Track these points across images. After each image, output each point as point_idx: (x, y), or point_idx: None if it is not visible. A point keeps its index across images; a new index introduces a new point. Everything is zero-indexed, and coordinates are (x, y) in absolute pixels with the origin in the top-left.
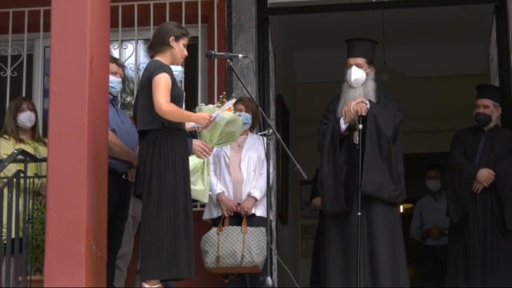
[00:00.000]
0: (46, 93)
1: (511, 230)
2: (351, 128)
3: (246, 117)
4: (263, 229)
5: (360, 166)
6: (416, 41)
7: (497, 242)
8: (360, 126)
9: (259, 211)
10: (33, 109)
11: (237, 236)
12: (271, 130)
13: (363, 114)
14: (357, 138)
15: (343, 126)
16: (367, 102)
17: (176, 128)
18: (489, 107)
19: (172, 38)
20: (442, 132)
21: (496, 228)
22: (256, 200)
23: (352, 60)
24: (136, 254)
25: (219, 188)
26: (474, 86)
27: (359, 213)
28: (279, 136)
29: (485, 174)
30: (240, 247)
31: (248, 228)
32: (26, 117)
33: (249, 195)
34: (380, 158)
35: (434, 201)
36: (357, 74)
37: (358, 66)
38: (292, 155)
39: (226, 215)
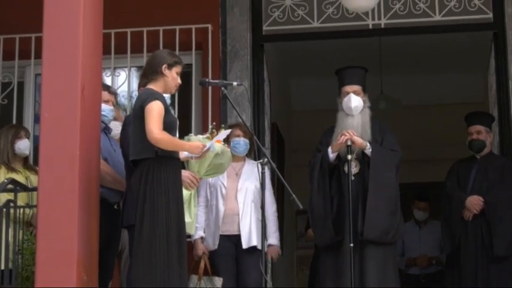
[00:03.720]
0: (37, 119)
1: (499, 256)
2: (341, 158)
3: (245, 142)
4: (216, 279)
5: (351, 198)
6: (414, 69)
7: (488, 270)
8: (349, 156)
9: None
10: (28, 137)
11: (193, 284)
12: (266, 159)
13: (348, 143)
14: (347, 169)
15: (330, 155)
16: (368, 143)
17: (170, 156)
18: (482, 133)
19: (165, 66)
20: (440, 161)
21: (487, 256)
22: (278, 246)
23: (348, 88)
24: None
25: (198, 234)
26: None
27: (351, 245)
28: (274, 165)
29: (473, 201)
30: None
31: (204, 278)
32: (25, 145)
33: (270, 245)
34: (384, 204)
35: (418, 230)
36: (356, 101)
37: (355, 93)
38: (288, 184)
39: (196, 259)
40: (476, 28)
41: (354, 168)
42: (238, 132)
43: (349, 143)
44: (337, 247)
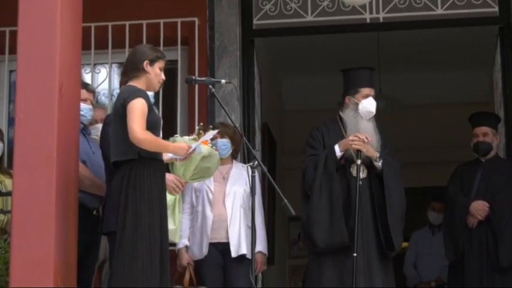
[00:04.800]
0: (11, 122)
1: (505, 267)
2: (346, 158)
3: (223, 142)
4: None
5: (357, 204)
6: (414, 66)
7: (493, 280)
8: (359, 161)
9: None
10: (2, 138)
11: None
12: (256, 162)
13: (360, 148)
14: (355, 173)
15: (338, 153)
16: (378, 155)
17: (154, 158)
18: (488, 135)
19: (146, 62)
20: (442, 164)
21: (492, 265)
22: (266, 255)
23: (368, 91)
24: None
25: (182, 242)
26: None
27: (355, 254)
28: (265, 168)
29: (477, 207)
30: None
31: None
32: None
33: (259, 252)
34: (401, 217)
35: (431, 236)
36: (375, 106)
37: (373, 97)
38: (279, 188)
39: (180, 270)
40: (481, 22)
41: (362, 173)
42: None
43: (361, 148)
44: (340, 253)
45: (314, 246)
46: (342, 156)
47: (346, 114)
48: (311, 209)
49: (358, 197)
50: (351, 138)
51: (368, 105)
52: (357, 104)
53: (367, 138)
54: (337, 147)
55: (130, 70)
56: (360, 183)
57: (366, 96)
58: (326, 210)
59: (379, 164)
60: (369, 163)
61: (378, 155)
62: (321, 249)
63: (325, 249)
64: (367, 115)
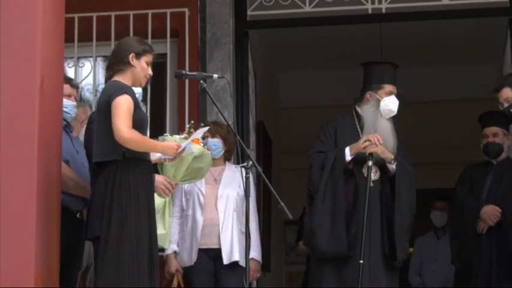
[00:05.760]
0: None
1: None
2: (355, 161)
3: (213, 142)
4: None
5: (366, 208)
6: (418, 60)
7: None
8: (370, 162)
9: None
10: None
11: None
12: (250, 162)
13: (373, 150)
14: (366, 173)
15: (348, 157)
16: (392, 157)
17: (140, 158)
18: (499, 135)
19: (132, 55)
20: (449, 165)
21: (503, 274)
22: (260, 262)
23: (392, 88)
24: None
25: (171, 248)
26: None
27: (361, 261)
28: (260, 169)
29: (489, 211)
30: None
31: None
32: None
33: (252, 259)
34: (409, 224)
35: (436, 240)
36: (397, 105)
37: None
38: (275, 190)
39: (168, 277)
40: (490, 13)
41: (374, 175)
42: (205, 133)
43: (376, 150)
44: (343, 261)
45: (314, 251)
46: (351, 160)
47: (365, 111)
48: (314, 213)
49: (367, 200)
50: (361, 142)
51: (390, 103)
52: (379, 101)
53: (379, 140)
54: (347, 150)
55: (115, 63)
56: (371, 184)
57: (389, 94)
58: (328, 217)
59: (393, 166)
60: (382, 165)
61: (392, 157)
62: (320, 255)
63: (324, 256)
64: (388, 114)
